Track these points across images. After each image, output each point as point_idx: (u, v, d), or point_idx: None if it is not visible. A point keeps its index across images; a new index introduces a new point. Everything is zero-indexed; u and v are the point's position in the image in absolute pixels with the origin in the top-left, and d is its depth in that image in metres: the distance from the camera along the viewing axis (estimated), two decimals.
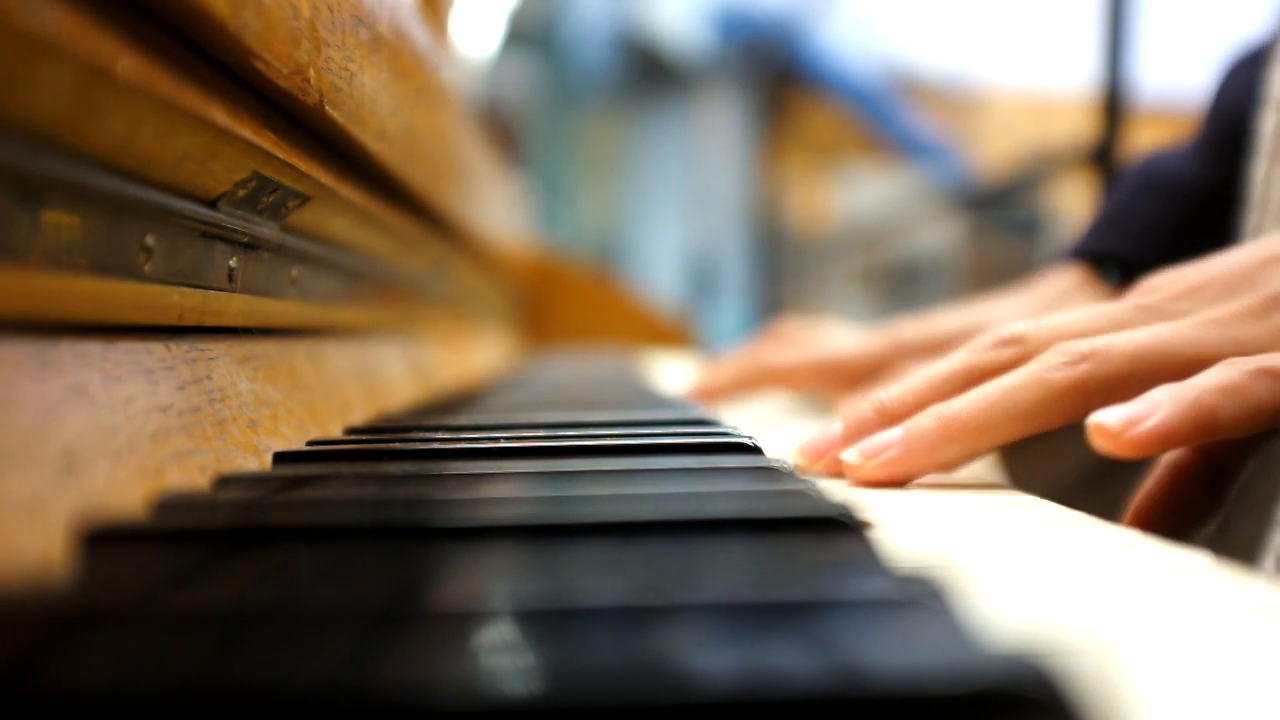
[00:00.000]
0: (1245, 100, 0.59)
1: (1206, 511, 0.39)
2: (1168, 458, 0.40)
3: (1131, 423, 0.34)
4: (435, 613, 0.17)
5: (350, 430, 0.44)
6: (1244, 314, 0.38)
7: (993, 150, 3.26)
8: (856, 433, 0.40)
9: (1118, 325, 0.40)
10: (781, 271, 3.49)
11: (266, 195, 0.37)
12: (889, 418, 0.40)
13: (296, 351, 0.43)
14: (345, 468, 0.34)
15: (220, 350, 0.35)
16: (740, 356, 0.70)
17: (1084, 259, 0.63)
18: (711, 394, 0.68)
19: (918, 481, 0.39)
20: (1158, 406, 0.34)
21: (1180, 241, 0.57)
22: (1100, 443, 0.35)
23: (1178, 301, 0.40)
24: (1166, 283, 0.42)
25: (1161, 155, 0.67)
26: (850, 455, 0.38)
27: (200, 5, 0.28)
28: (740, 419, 0.60)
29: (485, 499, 0.28)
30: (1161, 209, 0.64)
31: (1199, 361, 0.37)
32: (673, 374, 0.98)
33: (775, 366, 0.67)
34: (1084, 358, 0.37)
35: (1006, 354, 0.40)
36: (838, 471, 0.40)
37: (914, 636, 0.16)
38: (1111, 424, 0.34)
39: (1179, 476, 0.39)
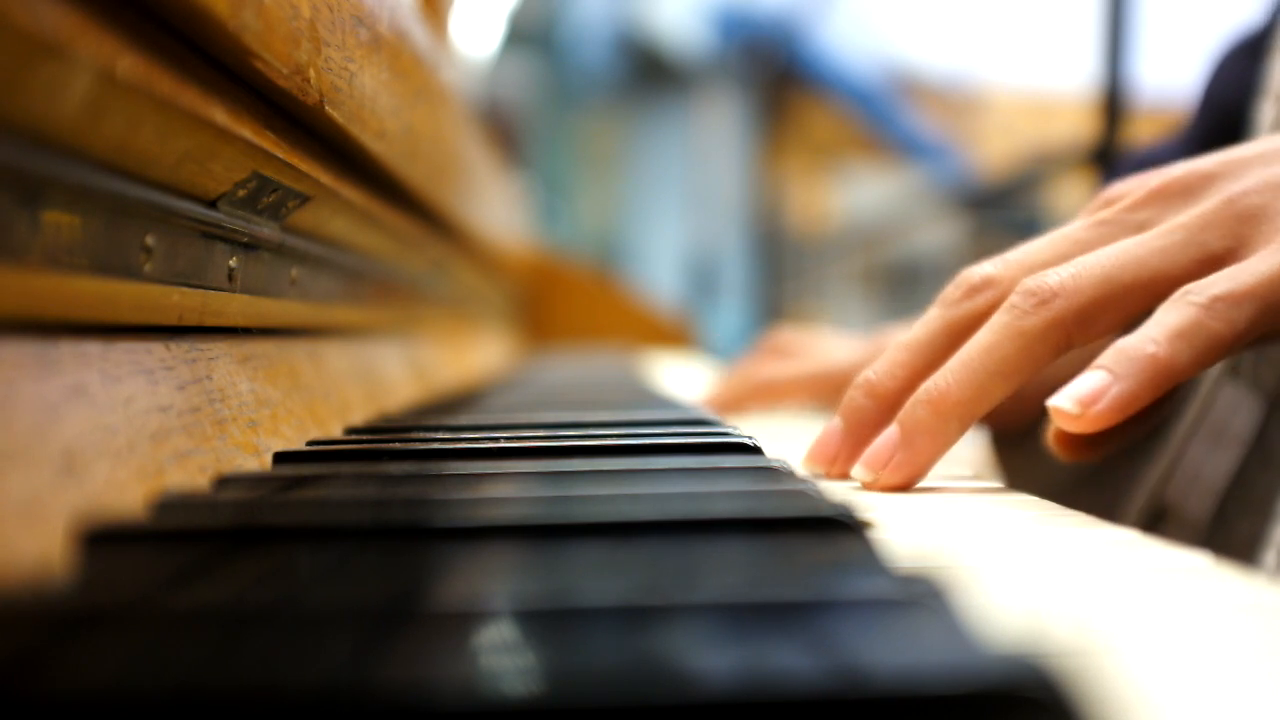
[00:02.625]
0: (1238, 91, 0.59)
1: (1159, 413, 0.39)
2: None
3: (1088, 402, 0.34)
4: (435, 613, 0.17)
5: (350, 430, 0.44)
6: (1208, 217, 0.37)
7: (993, 150, 3.25)
8: (857, 425, 0.40)
9: (1080, 245, 0.39)
10: (781, 271, 3.49)
11: (266, 195, 0.37)
12: (881, 398, 0.40)
13: (296, 351, 0.43)
14: (345, 468, 0.34)
15: (220, 350, 0.35)
16: (736, 374, 0.70)
17: None
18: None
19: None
20: (1113, 378, 0.34)
21: None
22: (1064, 426, 0.34)
23: (1137, 210, 0.40)
24: (1125, 189, 0.41)
25: (1155, 149, 0.67)
26: (860, 472, 0.38)
27: (200, 5, 0.28)
28: (739, 420, 0.60)
29: (485, 499, 0.28)
30: None
31: (1167, 277, 0.36)
32: (673, 374, 0.98)
33: (770, 381, 0.67)
34: (1054, 294, 0.36)
35: (981, 300, 0.39)
36: (848, 474, 0.39)
37: (914, 636, 0.16)
38: (1069, 408, 0.34)
39: None
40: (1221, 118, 0.61)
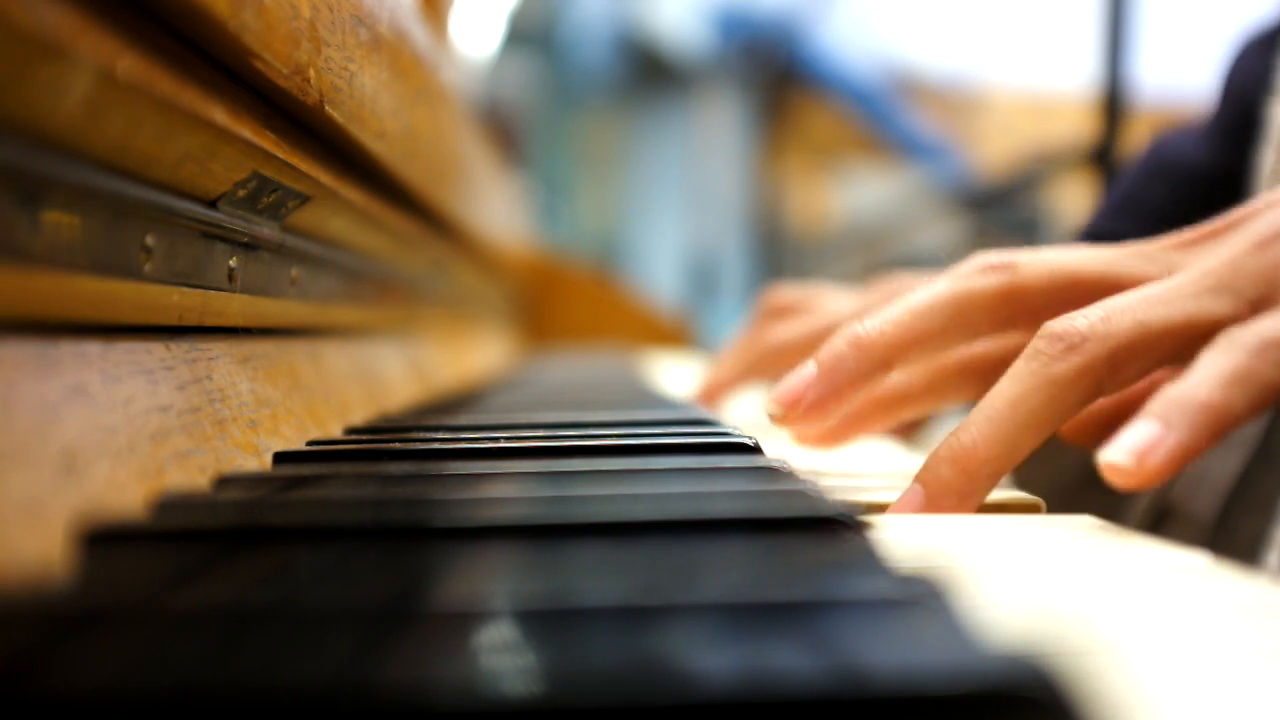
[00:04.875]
0: (1256, 85, 0.59)
1: None
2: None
3: (1144, 455, 0.31)
4: (435, 613, 0.17)
5: (350, 430, 0.44)
6: (1240, 259, 0.36)
7: (993, 150, 3.25)
8: (831, 372, 0.38)
9: (1111, 267, 0.38)
10: (781, 272, 3.49)
11: (266, 195, 0.37)
12: (866, 350, 0.38)
13: (296, 351, 0.43)
14: (345, 468, 0.34)
15: (220, 350, 0.35)
16: (741, 342, 0.65)
17: (1093, 242, 0.63)
18: (720, 389, 0.64)
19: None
20: (1167, 427, 0.32)
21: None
22: (1118, 482, 0.32)
23: (1169, 252, 0.38)
24: (1156, 241, 0.40)
25: (1172, 139, 0.67)
26: (903, 511, 0.35)
27: (200, 5, 0.28)
28: (740, 420, 0.60)
29: (485, 499, 0.28)
30: (1171, 194, 0.63)
31: (1202, 323, 0.34)
32: (673, 374, 0.98)
33: (781, 343, 0.62)
34: (1083, 338, 0.34)
35: (995, 280, 0.38)
36: (809, 421, 0.38)
37: (914, 636, 0.16)
38: (1125, 463, 0.31)
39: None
40: (1240, 111, 0.60)
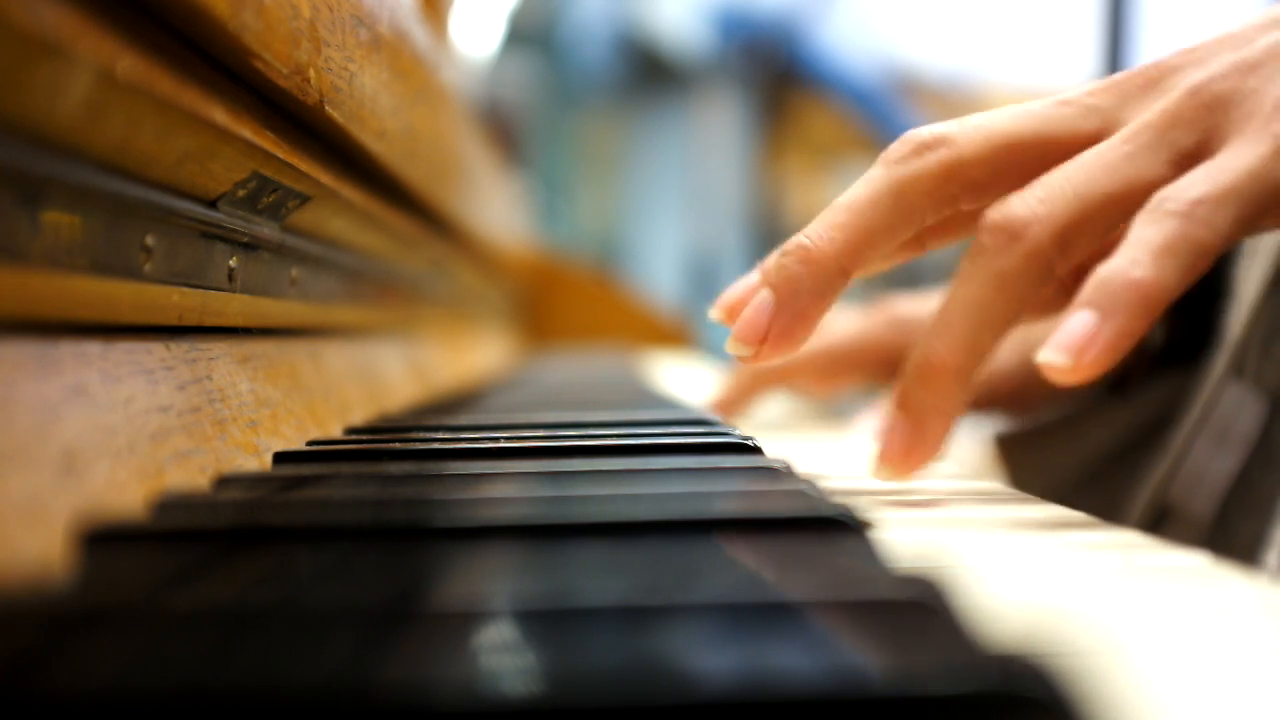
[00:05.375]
0: None
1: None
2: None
3: (1081, 350, 0.31)
4: (435, 613, 0.17)
5: (350, 430, 0.44)
6: (1173, 112, 0.34)
7: None
8: (790, 295, 0.36)
9: (1047, 125, 0.36)
10: None
11: (266, 195, 0.37)
12: (818, 263, 0.36)
13: (296, 351, 0.43)
14: (345, 468, 0.34)
15: (220, 350, 0.35)
16: (739, 367, 0.66)
17: None
18: (724, 410, 0.65)
19: (917, 481, 0.39)
20: (1101, 316, 0.31)
21: None
22: (1059, 380, 0.31)
23: (1096, 96, 0.36)
24: (1090, 86, 0.38)
25: None
26: (882, 472, 0.35)
27: (200, 5, 0.28)
28: (751, 414, 0.60)
29: (485, 499, 0.28)
30: None
31: (1141, 183, 0.33)
32: (672, 374, 0.98)
33: (777, 367, 0.62)
34: (1025, 224, 0.33)
35: (932, 159, 0.36)
36: (779, 353, 0.36)
37: (914, 637, 0.16)
38: (1062, 361, 0.31)
39: None
40: None
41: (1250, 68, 0.34)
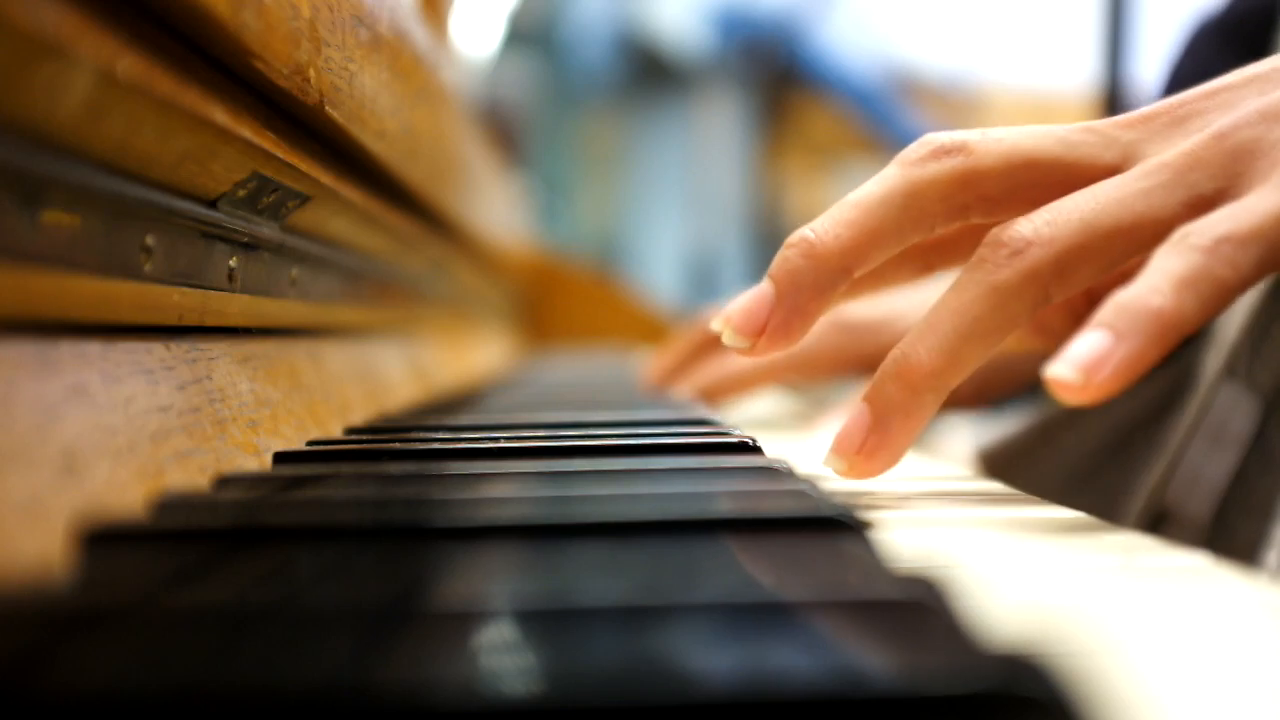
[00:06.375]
0: (1210, 71, 0.58)
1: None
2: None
3: (1092, 369, 0.30)
4: (435, 613, 0.17)
5: (350, 430, 0.44)
6: (1196, 155, 0.33)
7: None
8: (791, 289, 0.35)
9: (1068, 150, 0.36)
10: None
11: (266, 195, 0.37)
12: (821, 259, 0.35)
13: (296, 351, 0.43)
14: (345, 468, 0.34)
15: (220, 350, 0.35)
16: (686, 338, 0.65)
17: None
18: (660, 380, 0.65)
19: (917, 482, 0.39)
20: (1117, 337, 0.30)
21: None
22: (1066, 398, 0.30)
23: (1124, 130, 0.36)
24: (1118, 119, 0.37)
25: None
26: (831, 460, 0.34)
27: (200, 5, 0.28)
28: (740, 420, 0.60)
29: (485, 499, 0.28)
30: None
31: (1153, 222, 0.33)
32: None
33: (739, 373, 0.62)
34: (1027, 243, 0.32)
35: (949, 164, 0.35)
36: (775, 347, 0.35)
37: (914, 637, 0.16)
38: (1072, 378, 0.30)
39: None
40: None
41: (1277, 116, 0.34)
